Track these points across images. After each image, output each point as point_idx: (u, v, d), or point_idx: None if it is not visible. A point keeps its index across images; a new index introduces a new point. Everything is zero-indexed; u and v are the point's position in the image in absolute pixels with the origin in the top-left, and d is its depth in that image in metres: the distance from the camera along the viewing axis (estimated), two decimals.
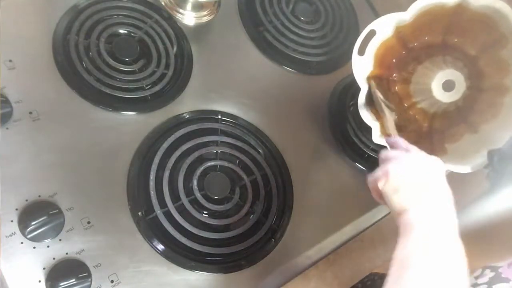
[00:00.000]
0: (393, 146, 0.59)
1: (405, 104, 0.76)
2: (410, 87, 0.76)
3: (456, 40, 0.72)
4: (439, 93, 0.73)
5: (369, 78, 0.71)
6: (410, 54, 0.74)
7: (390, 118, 0.67)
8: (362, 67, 0.71)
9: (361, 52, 0.71)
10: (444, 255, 0.45)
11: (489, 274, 0.52)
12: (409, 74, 0.75)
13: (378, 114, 0.71)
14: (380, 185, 0.52)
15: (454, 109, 0.74)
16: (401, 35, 0.71)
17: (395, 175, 0.51)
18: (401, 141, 0.58)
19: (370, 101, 0.71)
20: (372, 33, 0.71)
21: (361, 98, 0.71)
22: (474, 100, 0.72)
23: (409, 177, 0.50)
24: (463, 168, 0.68)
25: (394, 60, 0.74)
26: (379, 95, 0.70)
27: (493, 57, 0.70)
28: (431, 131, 0.75)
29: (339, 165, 0.77)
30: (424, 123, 0.75)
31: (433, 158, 0.53)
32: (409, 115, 0.76)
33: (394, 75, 0.75)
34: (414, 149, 0.55)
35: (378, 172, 0.53)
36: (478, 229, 1.01)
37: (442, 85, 0.73)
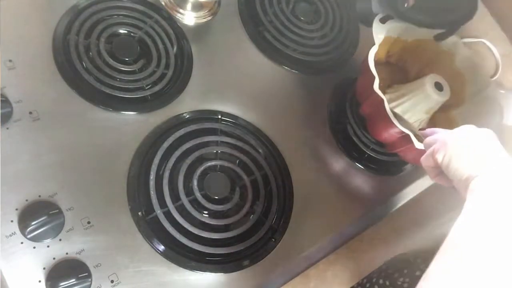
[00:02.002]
0: (432, 132, 0.58)
1: None
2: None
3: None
4: (433, 93, 0.74)
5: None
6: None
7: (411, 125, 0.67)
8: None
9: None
10: None
11: None
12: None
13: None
14: (440, 156, 0.49)
15: None
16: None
17: (454, 142, 0.48)
18: (439, 129, 0.57)
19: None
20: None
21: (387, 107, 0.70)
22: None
23: (469, 142, 0.48)
24: None
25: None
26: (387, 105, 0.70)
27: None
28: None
29: (339, 165, 0.77)
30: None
31: (485, 130, 0.50)
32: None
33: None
34: (460, 127, 0.52)
35: (434, 146, 0.50)
36: None
37: (435, 87, 0.74)
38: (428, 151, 0.52)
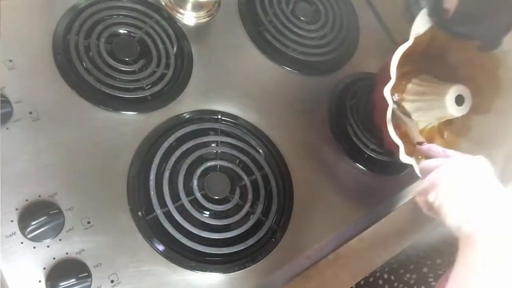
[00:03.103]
0: (428, 154, 0.56)
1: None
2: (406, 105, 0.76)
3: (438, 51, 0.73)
4: (451, 107, 0.71)
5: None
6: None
7: (414, 127, 0.65)
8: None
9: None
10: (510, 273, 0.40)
11: None
12: (402, 93, 0.76)
13: (400, 133, 0.70)
14: (431, 197, 0.47)
15: None
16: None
17: (444, 183, 0.46)
18: (436, 147, 0.55)
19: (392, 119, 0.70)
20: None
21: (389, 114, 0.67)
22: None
23: (460, 183, 0.46)
24: None
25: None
26: (396, 107, 0.69)
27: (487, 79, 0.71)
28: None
29: (339, 165, 0.77)
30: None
31: (479, 157, 0.48)
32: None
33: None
34: (453, 152, 0.51)
35: (424, 184, 0.48)
36: None
37: (455, 99, 0.71)
38: (419, 189, 0.49)
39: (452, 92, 0.70)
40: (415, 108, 0.73)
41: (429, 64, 0.77)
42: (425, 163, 0.52)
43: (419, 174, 0.59)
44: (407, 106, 0.74)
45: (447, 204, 0.46)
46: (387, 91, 0.63)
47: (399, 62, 0.63)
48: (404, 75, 0.75)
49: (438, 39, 0.74)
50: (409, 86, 0.73)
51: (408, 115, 0.73)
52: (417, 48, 0.71)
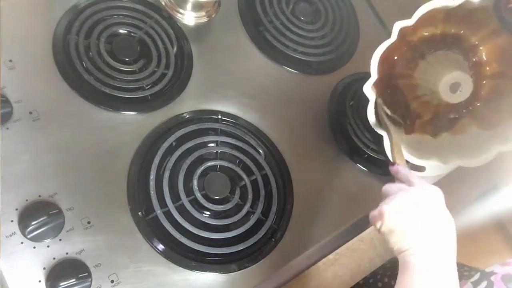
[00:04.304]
0: (395, 176, 0.59)
1: (409, 97, 0.75)
2: (413, 81, 0.75)
3: (455, 29, 0.71)
4: (445, 94, 0.72)
5: (374, 90, 0.70)
6: (411, 49, 0.73)
7: (396, 140, 0.66)
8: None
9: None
10: None
11: (483, 283, 0.52)
12: (411, 70, 0.74)
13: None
14: (377, 226, 0.53)
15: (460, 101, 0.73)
16: (402, 32, 0.71)
17: (390, 217, 0.51)
18: (403, 171, 0.58)
19: (378, 118, 0.71)
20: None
21: (370, 110, 0.70)
22: (479, 89, 0.71)
23: (405, 217, 0.51)
24: (468, 162, 0.69)
25: (395, 57, 0.73)
26: (384, 114, 0.70)
27: (494, 45, 0.69)
28: (434, 119, 0.74)
29: (339, 165, 0.77)
30: (427, 114, 0.75)
31: (433, 189, 0.53)
32: (413, 107, 0.75)
33: (396, 70, 0.74)
34: (415, 180, 0.55)
35: (375, 212, 0.53)
36: (479, 230, 1.01)
37: (449, 87, 0.71)
38: (372, 213, 0.54)
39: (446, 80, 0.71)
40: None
41: (442, 43, 0.74)
42: (386, 187, 0.56)
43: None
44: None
45: (388, 234, 0.51)
46: (367, 87, 0.65)
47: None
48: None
49: (456, 14, 0.71)
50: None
51: (397, 123, 0.73)
52: (430, 27, 0.71)
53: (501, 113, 0.70)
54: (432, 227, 0.50)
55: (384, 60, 0.70)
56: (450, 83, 0.72)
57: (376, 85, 0.70)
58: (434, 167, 0.72)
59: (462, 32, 0.71)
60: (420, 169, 0.72)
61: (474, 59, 0.71)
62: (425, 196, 0.52)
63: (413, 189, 0.53)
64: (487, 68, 0.70)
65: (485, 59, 0.70)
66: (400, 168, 0.59)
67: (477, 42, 0.70)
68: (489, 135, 0.70)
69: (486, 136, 0.70)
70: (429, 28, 0.71)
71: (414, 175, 0.57)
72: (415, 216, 0.51)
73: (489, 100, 0.71)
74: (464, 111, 0.72)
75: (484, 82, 0.71)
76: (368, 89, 0.68)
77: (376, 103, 0.70)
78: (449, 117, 0.72)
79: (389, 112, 0.72)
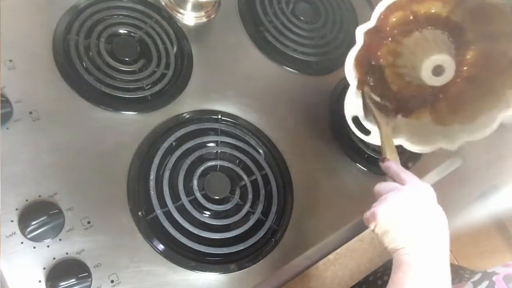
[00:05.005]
0: (386, 171, 0.59)
1: (399, 85, 0.75)
2: (400, 70, 0.74)
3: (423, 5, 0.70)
4: (430, 79, 0.71)
5: (360, 84, 0.70)
6: (387, 40, 0.73)
7: (387, 133, 0.65)
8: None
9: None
10: None
11: (484, 283, 0.53)
12: (393, 58, 0.74)
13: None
14: (371, 226, 0.53)
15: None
16: (373, 29, 0.70)
17: (383, 218, 0.51)
18: (395, 167, 0.58)
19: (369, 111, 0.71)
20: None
21: (348, 97, 0.70)
22: (466, 55, 0.71)
23: (398, 216, 0.51)
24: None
25: (377, 53, 0.73)
26: (372, 104, 0.69)
27: (466, 10, 0.69)
28: (435, 98, 0.74)
29: (339, 165, 0.77)
30: (425, 93, 0.74)
31: (425, 187, 0.53)
32: (408, 92, 0.75)
33: (380, 62, 0.74)
34: (407, 177, 0.55)
35: (368, 213, 0.54)
36: (479, 230, 1.01)
37: (431, 71, 0.70)
38: (365, 213, 0.55)
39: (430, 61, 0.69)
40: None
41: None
42: (378, 186, 0.56)
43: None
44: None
45: (382, 234, 0.52)
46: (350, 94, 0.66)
47: None
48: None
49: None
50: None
51: (387, 113, 0.72)
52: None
53: (455, 114, 0.71)
54: (425, 225, 0.51)
55: (364, 60, 0.70)
56: (433, 66, 0.70)
57: (361, 85, 0.70)
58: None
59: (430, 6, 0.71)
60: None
61: (452, 30, 0.71)
62: (417, 195, 0.53)
63: (405, 188, 0.53)
64: (468, 35, 0.70)
65: (462, 25, 0.70)
66: (391, 164, 0.59)
67: (447, 14, 0.70)
68: (436, 131, 0.72)
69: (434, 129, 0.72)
70: (399, 14, 0.71)
71: (405, 171, 0.57)
72: (408, 215, 0.51)
73: (453, 98, 0.72)
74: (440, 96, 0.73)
75: (471, 49, 0.70)
76: (351, 97, 0.68)
77: (363, 93, 0.70)
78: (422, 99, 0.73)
79: (378, 99, 0.71)
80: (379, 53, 0.73)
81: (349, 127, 0.78)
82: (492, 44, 0.69)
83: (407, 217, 0.51)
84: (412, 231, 0.50)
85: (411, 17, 0.71)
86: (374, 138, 0.72)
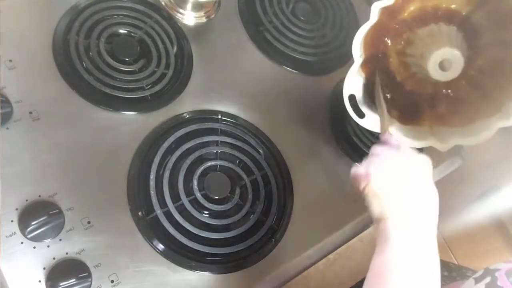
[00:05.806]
0: (385, 142, 0.58)
1: (403, 75, 0.74)
2: (407, 59, 0.73)
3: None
4: (435, 72, 0.70)
5: (364, 64, 0.69)
6: (402, 26, 0.71)
7: (387, 122, 0.66)
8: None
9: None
10: (419, 270, 0.45)
11: (486, 279, 0.52)
12: (403, 46, 0.73)
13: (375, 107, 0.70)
14: (361, 186, 0.51)
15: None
16: (389, 11, 0.69)
17: (377, 179, 0.49)
18: (394, 139, 0.57)
19: (368, 95, 0.70)
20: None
21: (347, 87, 0.69)
22: (476, 59, 0.70)
23: (391, 182, 0.49)
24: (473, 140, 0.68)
25: (386, 38, 0.72)
26: (380, 89, 0.69)
27: (487, 12, 0.68)
28: (436, 96, 0.73)
29: (339, 165, 0.77)
30: (427, 90, 0.73)
31: (422, 157, 0.51)
32: (411, 85, 0.74)
33: (388, 48, 0.72)
34: (405, 146, 0.53)
35: (361, 170, 0.51)
36: (480, 230, 1.01)
37: (438, 64, 0.69)
38: (355, 170, 0.52)
39: (435, 58, 0.68)
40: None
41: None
42: (376, 147, 0.54)
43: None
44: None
45: (372, 197, 0.50)
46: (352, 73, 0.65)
47: None
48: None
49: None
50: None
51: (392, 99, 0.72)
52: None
53: (453, 117, 0.71)
54: (417, 199, 0.49)
55: (374, 41, 0.69)
56: (440, 60, 0.69)
57: (365, 66, 0.69)
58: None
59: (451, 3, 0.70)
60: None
61: (468, 31, 0.69)
62: (414, 163, 0.51)
63: (403, 154, 0.51)
64: (483, 39, 0.69)
65: (479, 29, 0.69)
66: (390, 136, 0.58)
67: (466, 13, 0.69)
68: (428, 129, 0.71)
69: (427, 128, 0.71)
70: (419, 4, 0.70)
71: (405, 143, 0.55)
72: (402, 183, 0.49)
73: (452, 101, 0.72)
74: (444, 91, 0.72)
75: (483, 54, 0.69)
76: (352, 76, 0.67)
77: (375, 83, 0.69)
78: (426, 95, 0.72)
79: (388, 95, 0.71)
80: (390, 38, 0.72)
81: (349, 126, 0.78)
82: (503, 51, 0.68)
83: (401, 185, 0.49)
84: (403, 202, 0.48)
85: (431, 9, 0.70)
86: (367, 122, 0.70)
